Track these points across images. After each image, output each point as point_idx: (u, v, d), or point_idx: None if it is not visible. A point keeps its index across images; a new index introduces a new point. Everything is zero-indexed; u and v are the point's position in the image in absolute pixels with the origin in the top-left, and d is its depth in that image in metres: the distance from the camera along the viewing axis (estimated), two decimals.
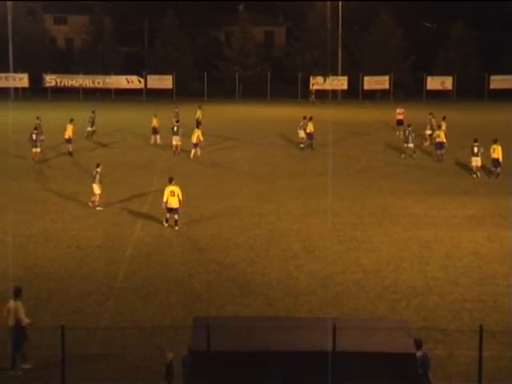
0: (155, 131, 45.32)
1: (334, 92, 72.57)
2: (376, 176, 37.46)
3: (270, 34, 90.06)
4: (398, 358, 14.49)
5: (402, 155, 41.78)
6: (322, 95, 71.23)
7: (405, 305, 20.94)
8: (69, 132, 41.58)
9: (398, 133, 49.15)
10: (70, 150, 41.61)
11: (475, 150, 37.42)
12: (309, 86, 73.24)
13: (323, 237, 26.97)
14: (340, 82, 73.22)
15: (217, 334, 14.38)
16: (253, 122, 55.17)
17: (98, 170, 30.30)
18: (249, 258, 24.71)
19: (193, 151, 40.95)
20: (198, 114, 49.29)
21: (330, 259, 24.45)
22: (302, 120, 44.52)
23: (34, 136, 39.67)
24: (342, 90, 73.67)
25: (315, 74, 73.53)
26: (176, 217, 27.89)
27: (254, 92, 72.58)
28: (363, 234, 27.47)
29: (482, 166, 37.76)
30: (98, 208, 30.22)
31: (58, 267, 23.57)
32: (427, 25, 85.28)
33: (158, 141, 44.89)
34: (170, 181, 28.27)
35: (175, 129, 42.47)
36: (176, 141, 42.15)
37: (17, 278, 22.16)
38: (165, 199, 27.72)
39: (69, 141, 41.64)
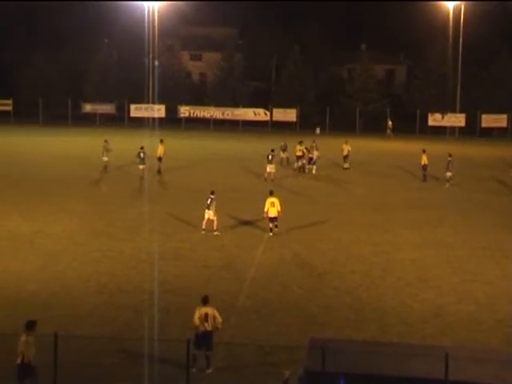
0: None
1: (452, 129, 71.22)
2: (490, 210, 36.37)
3: (390, 72, 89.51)
4: None
5: (446, 184, 41.91)
6: (440, 131, 70.05)
7: None
8: (160, 151, 44.25)
9: None
10: (160, 168, 44.07)
11: None
12: (427, 122, 72.42)
13: (438, 268, 26.34)
14: (458, 119, 71.87)
15: (332, 355, 14.24)
16: (372, 155, 54.71)
17: (213, 196, 30.53)
18: (364, 285, 24.41)
19: (309, 166, 45.35)
20: (344, 147, 48.83)
21: (443, 290, 23.83)
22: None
23: (141, 154, 42.26)
24: (460, 127, 72.18)
25: (433, 111, 72.53)
26: (273, 225, 30.29)
27: (373, 126, 72.17)
28: (477, 266, 26.65)
29: None
30: (215, 233, 30.24)
31: (185, 284, 24.03)
32: None
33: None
34: (271, 193, 30.69)
35: (270, 157, 43.36)
36: (270, 168, 43.04)
37: (149, 292, 22.80)
38: (266, 209, 30.09)
39: (160, 159, 44.16)
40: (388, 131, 70.80)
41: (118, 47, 75.95)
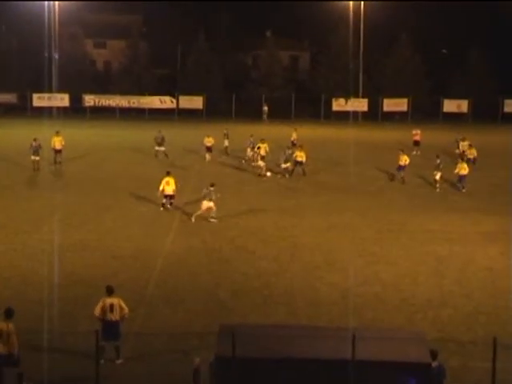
0: (208, 150, 45.83)
1: (355, 113, 72.54)
2: (394, 194, 37.27)
3: (295, 59, 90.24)
4: (414, 368, 14.34)
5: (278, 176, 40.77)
6: (344, 116, 71.25)
7: (421, 317, 20.75)
8: (57, 143, 42.61)
9: (414, 152, 49.11)
10: (59, 159, 42.71)
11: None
12: (331, 107, 73.55)
13: (344, 251, 26.84)
14: (361, 104, 73.19)
15: (242, 340, 14.34)
16: (277, 142, 55.15)
17: (212, 188, 30.54)
18: (272, 270, 24.64)
19: (260, 163, 41.50)
20: (294, 135, 49.58)
21: (350, 272, 24.31)
22: (249, 138, 44.53)
23: (34, 145, 40.98)
24: (363, 112, 73.62)
25: (337, 96, 73.65)
26: (168, 202, 32.25)
27: (279, 112, 72.59)
28: (382, 248, 27.30)
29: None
30: (213, 220, 30.58)
31: (93, 275, 23.67)
32: (444, 51, 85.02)
33: (208, 158, 45.50)
34: (168, 173, 32.37)
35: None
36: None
37: (56, 284, 22.32)
38: (161, 188, 31.92)
39: (58, 151, 42.59)
40: (264, 116, 71.69)
41: (18, 35, 73.60)
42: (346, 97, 72.86)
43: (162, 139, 46.22)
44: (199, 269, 24.65)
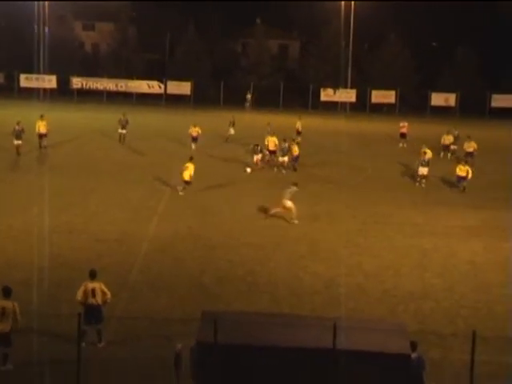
0: (194, 139, 45.43)
1: (343, 104, 72.62)
2: (381, 186, 37.35)
3: (284, 47, 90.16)
4: (394, 358, 14.47)
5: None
6: (332, 107, 71.28)
7: (403, 308, 20.91)
8: (42, 128, 41.84)
9: (401, 145, 49.32)
10: (43, 144, 41.95)
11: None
12: (319, 97, 73.53)
13: (328, 241, 26.98)
14: (349, 95, 73.30)
15: (224, 327, 14.42)
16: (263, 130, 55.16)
17: (295, 188, 29.84)
18: (257, 258, 24.74)
19: (255, 156, 40.32)
20: (298, 124, 49.83)
21: (333, 262, 24.44)
22: (267, 127, 44.92)
23: (17, 129, 40.18)
24: (351, 103, 73.71)
25: (326, 86, 73.69)
26: (184, 186, 32.86)
27: (267, 101, 72.58)
28: (366, 240, 27.44)
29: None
30: (295, 221, 29.34)
31: (79, 258, 23.67)
32: (433, 44, 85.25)
33: (193, 147, 44.99)
34: (190, 159, 33.17)
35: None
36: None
37: (40, 266, 22.30)
38: (181, 170, 32.85)
39: (42, 136, 41.84)
40: (247, 104, 71.65)
41: (6, 14, 73.05)
42: (335, 87, 72.92)
43: (126, 122, 46.23)
44: (184, 255, 24.69)
